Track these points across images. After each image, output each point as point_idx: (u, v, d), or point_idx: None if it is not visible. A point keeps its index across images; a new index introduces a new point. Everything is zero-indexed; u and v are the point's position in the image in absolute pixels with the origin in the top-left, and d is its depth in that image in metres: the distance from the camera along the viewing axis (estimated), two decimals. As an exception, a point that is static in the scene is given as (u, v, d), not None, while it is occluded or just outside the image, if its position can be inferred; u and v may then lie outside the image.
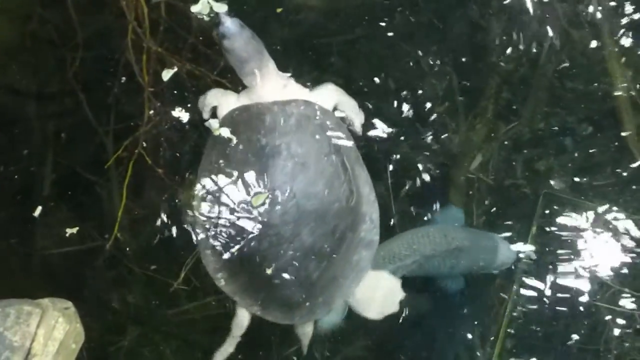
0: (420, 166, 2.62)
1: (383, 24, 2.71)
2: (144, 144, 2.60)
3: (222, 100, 2.42)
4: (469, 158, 2.66)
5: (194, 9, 2.60)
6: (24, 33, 2.75)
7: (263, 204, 2.23)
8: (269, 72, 2.32)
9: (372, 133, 2.59)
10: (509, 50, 2.70)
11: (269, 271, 2.24)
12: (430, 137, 2.65)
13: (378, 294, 2.39)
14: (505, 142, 2.67)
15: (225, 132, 2.31)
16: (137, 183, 2.61)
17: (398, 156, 2.61)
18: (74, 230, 2.56)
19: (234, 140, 2.29)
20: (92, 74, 2.71)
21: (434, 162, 2.63)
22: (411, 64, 2.68)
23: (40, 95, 2.75)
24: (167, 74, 2.58)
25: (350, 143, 2.36)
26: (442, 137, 2.65)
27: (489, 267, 2.54)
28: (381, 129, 2.61)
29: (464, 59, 2.70)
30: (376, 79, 2.67)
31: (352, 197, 2.27)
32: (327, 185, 2.23)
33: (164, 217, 2.57)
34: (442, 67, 2.69)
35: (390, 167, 2.60)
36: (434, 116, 2.66)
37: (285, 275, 2.24)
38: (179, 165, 2.61)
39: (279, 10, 2.68)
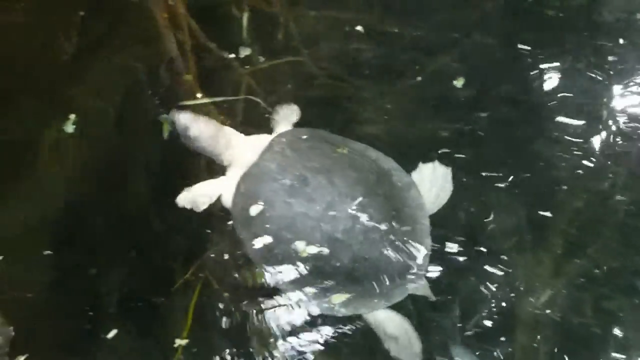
0: (486, 301, 2.58)
1: (454, 156, 2.74)
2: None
3: (219, 189, 2.61)
4: (536, 294, 2.61)
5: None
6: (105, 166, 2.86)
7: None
8: (239, 139, 2.60)
9: (437, 267, 2.59)
10: (579, 187, 2.68)
11: (370, 265, 2.41)
12: (498, 271, 2.62)
13: (433, 183, 2.63)
14: (574, 279, 2.62)
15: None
16: (201, 306, 2.62)
17: (465, 290, 2.58)
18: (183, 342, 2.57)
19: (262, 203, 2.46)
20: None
21: (501, 297, 2.59)
22: (479, 198, 2.68)
23: (109, 213, 2.81)
24: None
25: (329, 134, 2.64)
26: (510, 271, 2.62)
27: None
28: (447, 263, 2.60)
29: (533, 194, 2.69)
30: (442, 209, 2.66)
31: (372, 163, 2.55)
32: (354, 170, 2.47)
33: (229, 343, 2.57)
34: (512, 201, 2.68)
35: (457, 301, 2.57)
36: (501, 251, 2.63)
37: (384, 258, 2.41)
38: (245, 289, 2.63)
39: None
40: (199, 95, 2.87)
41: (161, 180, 2.77)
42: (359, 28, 2.99)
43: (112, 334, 2.61)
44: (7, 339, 2.54)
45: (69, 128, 2.87)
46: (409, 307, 2.56)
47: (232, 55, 2.97)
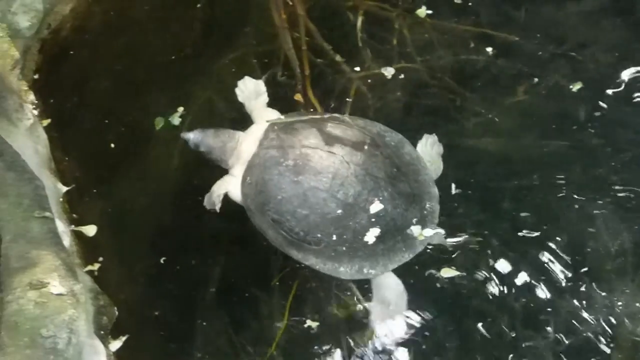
0: (585, 324, 2.55)
1: (560, 174, 2.73)
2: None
3: (225, 186, 2.70)
4: (636, 320, 2.57)
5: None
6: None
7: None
8: (240, 137, 2.70)
9: (538, 289, 2.58)
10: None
11: (387, 221, 2.48)
12: (597, 295, 2.58)
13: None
14: (677, 308, 2.57)
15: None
16: (298, 302, 2.66)
17: (563, 310, 2.56)
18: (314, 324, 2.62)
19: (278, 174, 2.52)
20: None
21: (600, 320, 2.56)
22: (584, 218, 2.66)
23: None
24: None
25: (313, 113, 2.74)
26: (610, 295, 2.58)
27: None
28: (548, 282, 2.58)
29: (639, 217, 2.65)
30: (545, 228, 2.66)
31: (362, 129, 2.60)
32: (348, 138, 2.54)
33: (321, 339, 2.60)
34: (616, 223, 2.65)
35: (553, 323, 2.55)
36: (603, 273, 2.60)
37: (397, 212, 2.49)
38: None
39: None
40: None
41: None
42: (488, 49, 3.03)
43: (209, 323, 2.68)
44: (111, 318, 2.63)
45: (175, 120, 2.96)
46: (504, 327, 2.55)
47: (345, 59, 3.02)
